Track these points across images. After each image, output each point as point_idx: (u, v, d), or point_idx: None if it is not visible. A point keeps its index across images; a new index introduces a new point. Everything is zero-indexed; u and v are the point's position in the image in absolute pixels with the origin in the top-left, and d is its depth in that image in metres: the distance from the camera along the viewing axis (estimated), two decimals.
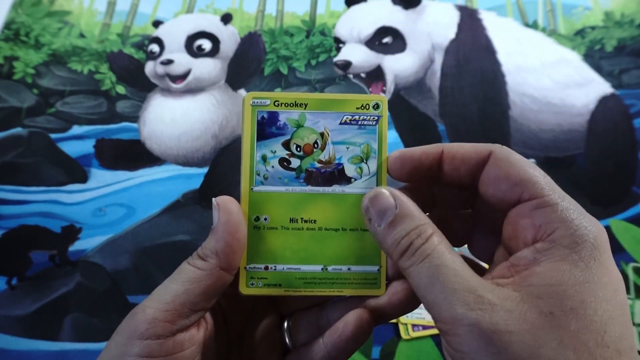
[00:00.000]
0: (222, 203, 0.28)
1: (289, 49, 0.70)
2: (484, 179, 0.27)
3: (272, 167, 0.30)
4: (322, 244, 0.30)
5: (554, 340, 0.22)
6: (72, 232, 0.58)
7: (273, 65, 0.69)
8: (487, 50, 0.68)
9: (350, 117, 0.30)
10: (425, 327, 0.52)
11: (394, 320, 0.52)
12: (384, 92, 0.66)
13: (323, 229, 0.30)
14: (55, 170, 0.62)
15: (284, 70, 0.69)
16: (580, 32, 0.70)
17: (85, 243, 0.57)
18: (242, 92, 0.67)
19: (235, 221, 0.28)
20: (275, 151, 0.30)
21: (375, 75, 0.67)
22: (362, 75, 0.67)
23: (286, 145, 0.30)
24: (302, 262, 0.30)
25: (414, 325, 0.52)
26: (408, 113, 0.66)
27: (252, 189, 0.30)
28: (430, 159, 0.28)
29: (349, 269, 0.31)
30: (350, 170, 0.31)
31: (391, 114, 0.65)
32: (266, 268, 0.30)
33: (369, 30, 0.67)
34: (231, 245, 0.28)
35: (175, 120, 0.65)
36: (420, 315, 0.52)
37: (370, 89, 0.66)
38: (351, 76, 0.67)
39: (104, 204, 0.60)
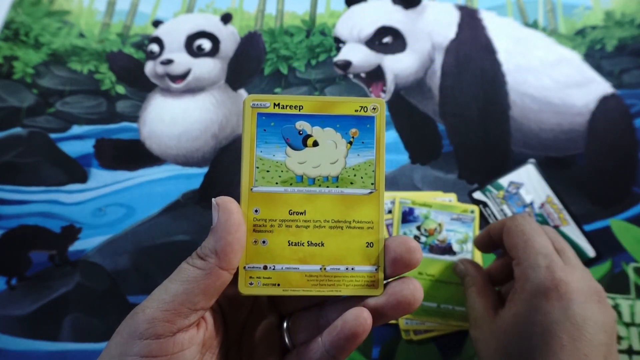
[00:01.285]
0: (222, 203, 0.28)
1: (289, 49, 0.70)
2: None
3: None
4: (436, 289, 0.50)
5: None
6: (71, 232, 0.58)
7: (273, 65, 0.69)
8: (487, 50, 0.68)
9: (456, 216, 0.52)
10: (427, 330, 0.52)
11: (393, 321, 0.52)
12: (384, 92, 0.66)
13: (435, 280, 0.50)
14: (55, 170, 0.62)
15: (284, 70, 0.69)
16: (581, 32, 0.70)
17: (85, 243, 0.57)
18: (242, 92, 0.67)
19: (235, 221, 0.28)
20: (411, 230, 0.52)
21: (375, 75, 0.66)
22: (362, 75, 0.67)
23: (418, 228, 0.53)
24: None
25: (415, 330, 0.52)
26: (408, 113, 0.66)
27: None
28: (498, 233, 0.44)
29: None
30: (456, 247, 0.52)
31: (391, 114, 0.65)
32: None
33: (369, 30, 0.67)
34: (231, 244, 0.28)
35: (175, 120, 0.65)
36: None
37: (371, 89, 0.66)
38: (351, 76, 0.67)
39: (104, 204, 0.60)
